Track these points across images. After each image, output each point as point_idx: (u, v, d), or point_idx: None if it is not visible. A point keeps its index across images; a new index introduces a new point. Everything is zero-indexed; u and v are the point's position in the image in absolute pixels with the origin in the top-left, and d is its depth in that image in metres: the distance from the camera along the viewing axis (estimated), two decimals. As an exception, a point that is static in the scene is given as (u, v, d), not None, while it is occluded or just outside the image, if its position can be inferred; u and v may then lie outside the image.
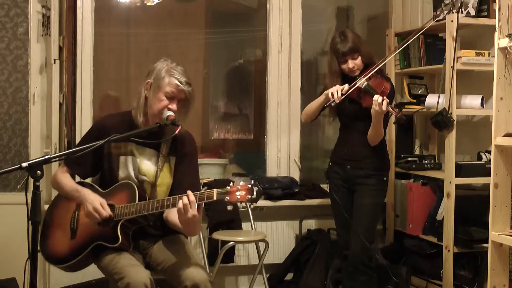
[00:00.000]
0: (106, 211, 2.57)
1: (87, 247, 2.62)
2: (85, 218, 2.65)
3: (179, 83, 2.60)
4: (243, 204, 3.93)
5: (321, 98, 3.41)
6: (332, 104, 3.28)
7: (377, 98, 3.14)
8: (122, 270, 2.49)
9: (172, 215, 2.64)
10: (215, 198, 2.38)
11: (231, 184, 2.39)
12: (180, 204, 2.42)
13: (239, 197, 2.34)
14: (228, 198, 2.36)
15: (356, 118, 3.40)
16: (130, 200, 2.60)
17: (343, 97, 3.25)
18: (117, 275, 2.50)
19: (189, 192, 2.43)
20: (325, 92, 3.34)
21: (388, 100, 3.16)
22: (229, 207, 3.89)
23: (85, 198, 2.62)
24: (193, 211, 2.41)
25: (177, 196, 2.47)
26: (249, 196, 2.34)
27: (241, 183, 2.38)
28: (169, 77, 2.61)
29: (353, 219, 3.41)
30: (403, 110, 4.14)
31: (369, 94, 3.23)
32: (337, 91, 3.24)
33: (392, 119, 3.45)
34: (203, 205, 2.51)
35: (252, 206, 3.99)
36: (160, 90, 2.61)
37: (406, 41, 3.56)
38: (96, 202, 2.58)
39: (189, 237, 3.02)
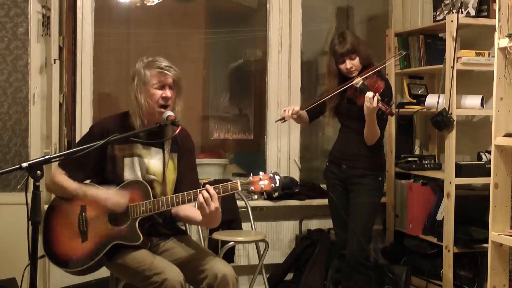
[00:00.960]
0: (125, 198, 2.59)
1: (104, 248, 2.59)
2: (95, 219, 2.64)
3: (161, 69, 2.64)
4: (252, 197, 4.07)
5: None
6: (281, 122, 3.49)
7: (368, 94, 3.17)
8: (155, 266, 2.48)
9: (183, 209, 2.68)
10: (239, 189, 2.42)
11: (251, 175, 2.42)
12: (201, 198, 2.44)
13: (263, 186, 2.39)
14: (253, 188, 2.40)
15: (353, 117, 3.41)
16: (144, 198, 2.60)
17: (294, 116, 3.41)
18: (148, 271, 2.48)
19: (208, 186, 2.46)
20: None
21: (379, 97, 3.17)
22: (255, 197, 4.00)
23: (98, 195, 2.62)
24: (215, 204, 2.44)
25: (197, 190, 2.49)
26: (273, 185, 2.39)
27: (261, 173, 2.42)
28: (149, 69, 2.65)
29: (350, 219, 3.42)
30: (402, 110, 4.19)
31: (363, 92, 3.25)
32: (289, 110, 3.41)
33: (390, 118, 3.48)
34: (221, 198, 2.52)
35: (276, 194, 4.08)
36: (148, 85, 2.64)
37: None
38: (113, 194, 2.60)
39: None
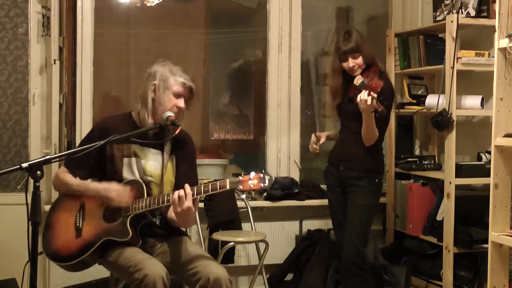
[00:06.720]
0: (127, 192, 2.63)
1: (95, 243, 2.62)
2: (90, 216, 2.67)
3: (185, 81, 2.70)
4: (250, 195, 4.04)
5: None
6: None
7: (362, 93, 3.15)
8: (139, 262, 2.49)
9: (169, 211, 2.69)
10: (228, 187, 2.42)
11: (242, 174, 2.43)
12: (175, 195, 2.47)
13: (252, 185, 2.40)
14: (241, 187, 2.40)
15: (353, 117, 3.37)
16: (138, 196, 2.63)
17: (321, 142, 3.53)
18: (132, 267, 2.49)
19: (186, 185, 2.49)
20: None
21: (375, 96, 3.15)
22: (242, 196, 3.95)
23: (98, 187, 2.67)
24: (187, 203, 2.46)
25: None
26: (262, 185, 2.39)
27: (252, 173, 2.42)
28: (174, 76, 2.70)
29: (347, 221, 3.40)
30: (402, 110, 4.19)
31: (361, 91, 3.23)
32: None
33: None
34: (198, 199, 2.55)
35: (264, 194, 4.06)
36: (168, 90, 2.69)
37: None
38: (114, 186, 2.64)
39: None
